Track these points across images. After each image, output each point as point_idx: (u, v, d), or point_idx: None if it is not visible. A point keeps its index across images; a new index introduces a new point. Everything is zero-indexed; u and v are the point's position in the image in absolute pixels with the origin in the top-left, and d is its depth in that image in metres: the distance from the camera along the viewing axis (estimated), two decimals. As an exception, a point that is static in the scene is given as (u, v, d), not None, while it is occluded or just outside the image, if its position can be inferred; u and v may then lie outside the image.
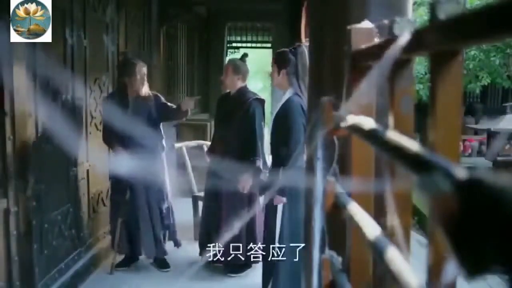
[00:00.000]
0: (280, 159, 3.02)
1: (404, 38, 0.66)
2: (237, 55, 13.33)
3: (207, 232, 3.89)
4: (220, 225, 3.77)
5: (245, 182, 3.60)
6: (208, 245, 3.76)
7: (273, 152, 3.19)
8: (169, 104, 3.90)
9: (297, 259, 2.82)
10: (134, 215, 3.73)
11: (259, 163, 3.59)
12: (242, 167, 3.58)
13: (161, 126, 3.87)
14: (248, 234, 3.69)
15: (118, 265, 3.82)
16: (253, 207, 3.76)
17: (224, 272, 3.80)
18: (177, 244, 4.02)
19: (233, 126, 3.73)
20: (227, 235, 3.59)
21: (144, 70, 3.75)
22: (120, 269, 3.82)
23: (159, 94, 3.97)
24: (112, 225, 3.82)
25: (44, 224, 3.07)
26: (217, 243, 3.63)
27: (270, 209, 3.22)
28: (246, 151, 3.64)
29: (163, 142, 3.85)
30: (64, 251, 3.38)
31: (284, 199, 3.03)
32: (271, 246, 3.16)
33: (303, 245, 2.52)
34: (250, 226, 3.70)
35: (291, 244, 2.92)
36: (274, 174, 3.13)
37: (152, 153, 3.65)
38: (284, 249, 2.96)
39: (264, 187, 3.44)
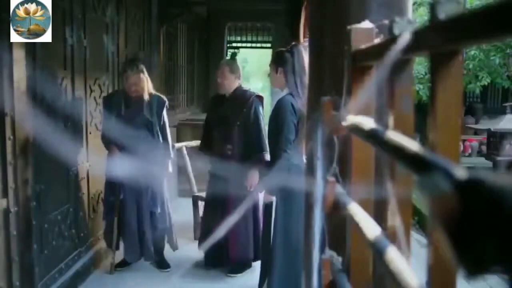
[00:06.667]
0: (274, 158, 3.05)
1: (404, 38, 0.66)
2: (238, 55, 13.30)
3: (208, 233, 3.89)
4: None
5: (252, 179, 3.61)
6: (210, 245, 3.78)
7: (269, 151, 3.23)
8: (167, 126, 3.85)
9: (291, 259, 2.83)
10: (123, 218, 3.71)
11: (267, 156, 3.58)
12: (249, 164, 3.60)
13: (163, 129, 3.81)
14: (254, 234, 3.73)
15: (118, 265, 3.81)
16: (257, 208, 3.75)
17: (224, 272, 3.80)
18: (173, 247, 4.01)
19: (237, 125, 3.73)
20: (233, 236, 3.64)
21: (140, 76, 3.67)
22: (120, 269, 3.81)
23: (163, 98, 3.87)
24: (106, 225, 3.82)
25: (44, 224, 3.07)
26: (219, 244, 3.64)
27: (266, 208, 3.23)
28: (254, 147, 3.66)
29: (161, 145, 3.78)
30: (64, 251, 3.37)
31: (273, 198, 3.05)
32: (267, 245, 3.17)
33: (298, 244, 2.52)
34: (255, 226, 3.73)
35: (284, 243, 2.92)
36: (268, 172, 3.16)
37: (149, 156, 3.62)
38: (277, 248, 2.96)
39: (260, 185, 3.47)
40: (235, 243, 3.73)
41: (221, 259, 3.83)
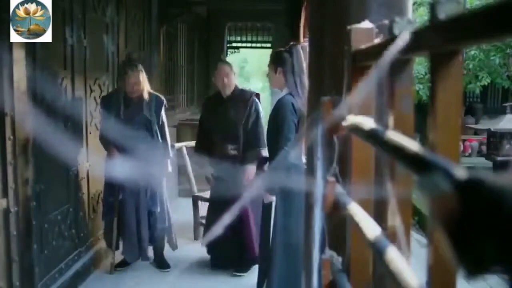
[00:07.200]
0: (273, 157, 3.06)
1: (403, 38, 0.66)
2: (237, 55, 13.23)
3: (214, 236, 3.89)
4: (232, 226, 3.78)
5: (249, 174, 3.62)
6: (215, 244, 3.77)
7: (268, 150, 3.25)
8: (165, 125, 3.84)
9: (291, 259, 2.82)
10: (122, 218, 3.71)
11: (265, 153, 3.58)
12: (246, 159, 3.63)
13: (161, 129, 3.80)
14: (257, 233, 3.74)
15: (118, 265, 3.81)
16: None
17: (228, 271, 3.80)
18: (173, 247, 4.01)
19: (242, 125, 3.74)
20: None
21: (140, 76, 3.67)
22: (120, 269, 3.81)
23: (162, 97, 3.85)
24: (105, 225, 3.82)
25: (44, 224, 3.07)
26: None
27: (266, 208, 3.23)
28: (253, 142, 3.69)
29: (160, 145, 3.77)
30: (64, 251, 3.38)
31: (273, 198, 3.05)
32: (266, 245, 3.17)
33: (298, 244, 2.51)
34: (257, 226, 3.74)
35: (284, 243, 2.92)
36: (268, 171, 3.17)
37: (148, 155, 3.61)
38: (277, 248, 2.95)
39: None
40: (255, 242, 3.73)
41: (229, 260, 3.83)
